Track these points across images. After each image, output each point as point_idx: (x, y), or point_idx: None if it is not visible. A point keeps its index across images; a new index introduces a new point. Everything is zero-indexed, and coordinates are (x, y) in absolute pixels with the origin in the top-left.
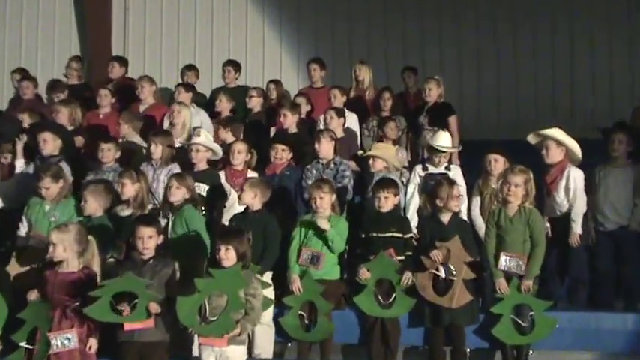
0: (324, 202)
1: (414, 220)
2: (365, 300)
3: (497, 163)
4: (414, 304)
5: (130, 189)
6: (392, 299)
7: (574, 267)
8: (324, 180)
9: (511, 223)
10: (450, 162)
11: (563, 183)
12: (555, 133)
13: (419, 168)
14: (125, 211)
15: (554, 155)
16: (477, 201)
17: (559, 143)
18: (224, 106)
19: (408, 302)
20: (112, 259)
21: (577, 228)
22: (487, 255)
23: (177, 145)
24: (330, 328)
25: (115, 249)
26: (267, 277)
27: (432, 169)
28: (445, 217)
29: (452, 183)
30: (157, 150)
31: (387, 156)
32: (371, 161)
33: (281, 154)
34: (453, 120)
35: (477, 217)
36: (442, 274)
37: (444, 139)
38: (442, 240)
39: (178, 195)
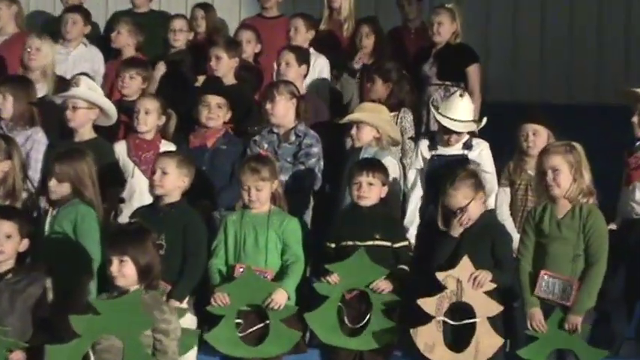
0: (262, 194)
1: (414, 222)
2: (321, 320)
3: (539, 137)
4: (398, 334)
5: None
6: (365, 321)
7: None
8: (260, 159)
9: (558, 229)
10: (472, 135)
11: None
12: None
13: (424, 145)
14: None
15: None
16: (505, 194)
17: None
18: (125, 41)
19: (389, 332)
20: None
21: None
22: (520, 274)
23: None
24: (294, 337)
25: None
26: (185, 304)
27: (442, 149)
28: (456, 230)
29: (472, 176)
30: (7, 105)
31: (378, 121)
32: (354, 130)
33: (216, 113)
34: (473, 71)
35: (506, 217)
36: (453, 322)
37: (460, 110)
38: (451, 262)
39: (60, 189)
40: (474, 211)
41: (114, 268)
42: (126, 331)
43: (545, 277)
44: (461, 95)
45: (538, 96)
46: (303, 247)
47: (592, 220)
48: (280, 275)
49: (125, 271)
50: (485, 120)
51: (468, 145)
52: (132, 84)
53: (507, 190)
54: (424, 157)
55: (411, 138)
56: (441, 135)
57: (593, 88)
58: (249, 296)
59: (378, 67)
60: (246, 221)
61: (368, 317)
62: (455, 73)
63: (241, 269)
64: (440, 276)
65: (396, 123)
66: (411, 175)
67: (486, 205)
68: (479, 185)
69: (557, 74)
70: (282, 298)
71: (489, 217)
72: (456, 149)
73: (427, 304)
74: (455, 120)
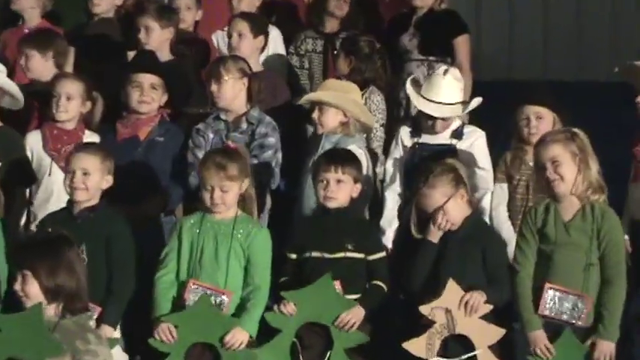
0: (229, 196)
1: (391, 225)
2: (272, 358)
3: (542, 122)
4: None
5: None
6: None
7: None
8: (227, 152)
9: (567, 233)
10: (462, 123)
11: None
12: None
13: (405, 131)
14: None
15: None
16: (502, 191)
17: None
18: (27, 3)
19: None
20: None
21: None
22: (518, 288)
23: None
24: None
25: None
26: (117, 330)
27: (427, 137)
28: (434, 235)
29: (450, 171)
30: None
31: (344, 103)
32: (316, 113)
33: (149, 95)
34: (462, 43)
35: (504, 220)
36: None
37: (444, 90)
38: (434, 274)
39: None
40: (455, 212)
41: (17, 285)
42: (32, 355)
43: (551, 291)
44: (445, 72)
45: (540, 74)
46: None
47: (608, 224)
48: (241, 305)
49: (28, 290)
50: (475, 101)
51: (458, 134)
52: (35, 64)
53: (504, 186)
54: (405, 145)
55: (381, 125)
56: (424, 120)
57: (604, 64)
58: (201, 331)
59: (342, 37)
60: (206, 228)
61: (328, 357)
62: (440, 45)
63: (195, 286)
64: (424, 310)
65: None
66: (389, 166)
67: (473, 206)
68: (459, 181)
69: (563, 49)
70: (242, 337)
71: (477, 220)
72: (443, 138)
73: (415, 346)
74: (437, 103)
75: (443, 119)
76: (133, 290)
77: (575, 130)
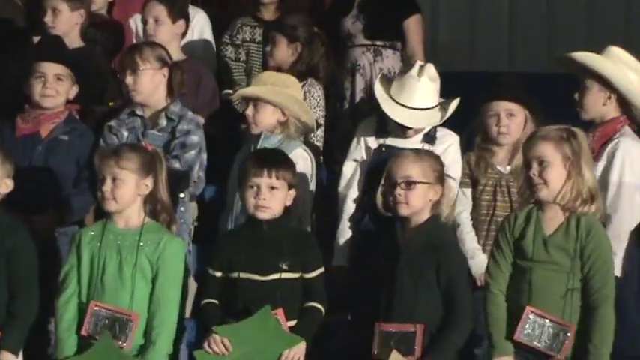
0: (122, 190)
1: (344, 233)
2: None
3: (514, 121)
4: None
5: None
6: None
7: (618, 337)
8: (133, 146)
9: (545, 249)
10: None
11: (601, 164)
12: (596, 60)
13: (368, 130)
14: None
15: (594, 104)
16: (465, 198)
17: (602, 80)
18: None
19: None
20: None
21: (615, 258)
22: (489, 306)
23: None
24: None
25: None
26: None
27: (394, 141)
28: (406, 231)
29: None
30: None
31: (283, 99)
32: (250, 110)
33: (54, 88)
34: (413, 25)
35: (468, 230)
36: None
37: (421, 95)
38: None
39: None
40: (418, 202)
41: None
42: None
43: (532, 315)
44: (419, 72)
45: (506, 64)
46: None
47: (594, 243)
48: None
49: None
50: (454, 104)
51: (430, 138)
52: None
53: (468, 192)
54: (368, 146)
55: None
56: (393, 123)
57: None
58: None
59: (279, 23)
60: (108, 240)
61: None
62: (388, 28)
63: (97, 308)
64: None
65: None
66: (348, 169)
67: (438, 210)
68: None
69: (531, 36)
70: None
71: (435, 225)
72: (413, 142)
73: None
74: (411, 108)
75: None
76: (36, 312)
77: (574, 129)
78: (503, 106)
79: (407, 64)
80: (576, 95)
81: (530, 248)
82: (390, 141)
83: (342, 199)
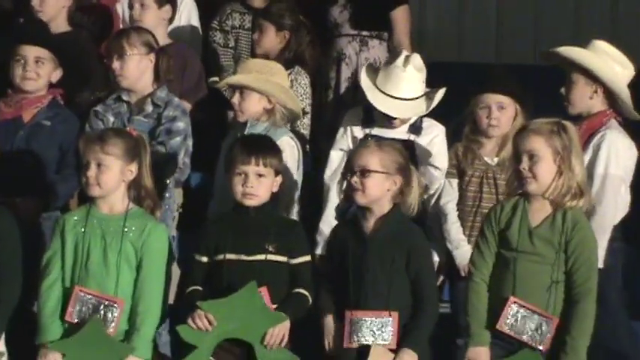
0: (106, 175)
1: (327, 222)
2: None
3: (505, 113)
4: None
5: None
6: None
7: (601, 329)
8: (117, 130)
9: (530, 241)
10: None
11: (586, 157)
12: (582, 54)
13: (354, 119)
14: None
15: (581, 98)
16: (452, 189)
17: (588, 74)
18: None
19: None
20: None
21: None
22: (471, 295)
23: None
24: None
25: None
26: (2, 342)
27: (380, 131)
28: (369, 221)
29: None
30: None
31: (268, 87)
32: (236, 98)
33: (34, 71)
34: (400, 15)
35: (453, 221)
36: None
37: (407, 85)
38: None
39: None
40: (375, 191)
41: None
42: None
43: (514, 306)
44: (405, 62)
45: (493, 56)
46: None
47: (578, 236)
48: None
49: None
50: (440, 94)
51: (416, 128)
52: None
53: (454, 182)
54: (354, 135)
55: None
56: (379, 113)
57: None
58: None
59: (267, 10)
60: (92, 225)
61: None
62: (374, 18)
63: (81, 294)
64: None
65: None
66: (334, 158)
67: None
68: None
69: (518, 27)
70: None
71: (399, 215)
72: (399, 132)
73: None
74: (396, 98)
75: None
76: (18, 296)
77: (565, 122)
78: (494, 99)
79: (393, 54)
80: (563, 90)
81: (515, 239)
82: (376, 131)
83: (326, 188)
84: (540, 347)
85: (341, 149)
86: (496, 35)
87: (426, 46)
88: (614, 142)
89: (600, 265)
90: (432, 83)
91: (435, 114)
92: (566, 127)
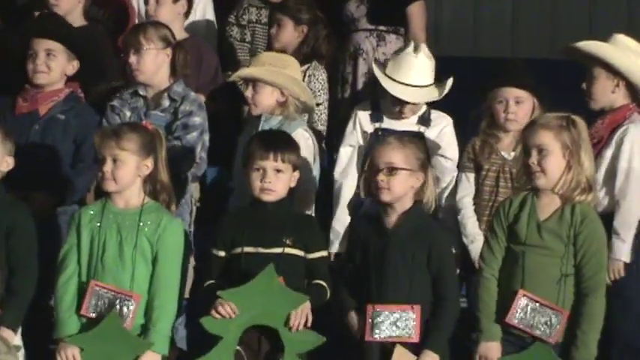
0: (122, 171)
1: (340, 220)
2: None
3: (522, 108)
4: None
5: None
6: None
7: (623, 325)
8: (134, 125)
9: (539, 234)
10: (430, 106)
11: (609, 151)
12: (603, 48)
13: (364, 114)
14: None
15: (603, 92)
16: (468, 183)
17: (609, 68)
18: None
19: None
20: None
21: (621, 249)
22: (481, 290)
23: None
24: None
25: None
26: (18, 336)
27: (391, 123)
28: (391, 217)
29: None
30: None
31: (281, 80)
32: (249, 92)
33: (45, 64)
34: (416, 11)
35: (469, 215)
36: None
37: (416, 71)
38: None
39: None
40: (402, 184)
41: None
42: None
43: (524, 299)
44: (415, 49)
45: (510, 50)
46: (183, 263)
47: (587, 230)
48: (146, 319)
49: None
50: (449, 82)
51: (425, 120)
52: None
53: (471, 177)
54: (364, 130)
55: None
56: (388, 104)
57: (581, 39)
58: (108, 356)
59: (285, 5)
60: (108, 220)
61: None
62: (391, 13)
63: (97, 288)
64: None
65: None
66: (344, 154)
67: (422, 194)
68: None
69: (534, 21)
70: None
71: (421, 211)
72: (409, 124)
73: None
74: (408, 85)
75: (415, 104)
76: (34, 289)
77: (575, 117)
78: (512, 93)
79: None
80: (584, 85)
81: (524, 232)
82: (386, 124)
83: (338, 185)
84: (550, 341)
85: (350, 145)
86: (511, 29)
87: (442, 40)
88: (638, 135)
89: (627, 259)
90: (447, 77)
91: (450, 108)
92: (575, 121)
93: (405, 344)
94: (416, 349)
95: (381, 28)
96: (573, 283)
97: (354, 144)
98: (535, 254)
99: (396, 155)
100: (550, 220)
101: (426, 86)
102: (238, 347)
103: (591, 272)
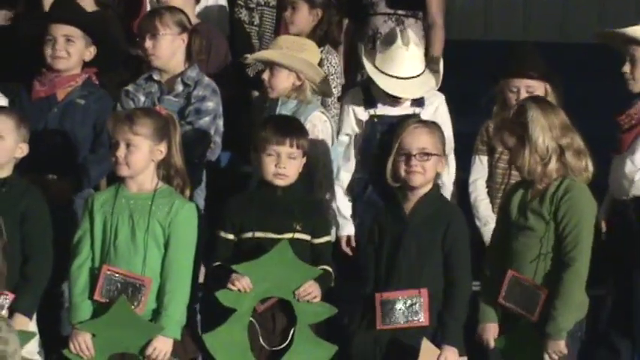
0: (135, 156)
1: (342, 206)
2: (226, 342)
3: (534, 94)
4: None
5: None
6: (287, 342)
7: None
8: (147, 110)
9: (524, 215)
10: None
11: None
12: None
13: (356, 101)
14: None
15: None
16: (482, 165)
17: None
18: None
19: (319, 354)
20: None
21: None
22: (486, 269)
23: None
24: None
25: None
26: (33, 322)
27: (384, 108)
28: (410, 201)
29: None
30: None
31: (297, 63)
32: (266, 75)
33: (64, 49)
34: None
35: (482, 197)
36: None
37: (410, 63)
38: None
39: None
40: (433, 168)
41: None
42: None
43: (513, 279)
44: (405, 42)
45: (520, 33)
46: (197, 246)
47: (567, 204)
48: (158, 304)
49: None
50: (441, 63)
51: (419, 101)
52: None
53: (485, 159)
54: (359, 119)
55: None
56: (381, 92)
57: (592, 23)
58: (120, 341)
59: None
60: (120, 205)
61: (291, 336)
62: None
63: (109, 272)
64: None
65: None
66: (340, 143)
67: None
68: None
69: (547, 5)
70: (164, 347)
71: (439, 194)
72: (403, 107)
73: None
74: (401, 79)
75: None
76: (49, 275)
77: (524, 103)
78: (524, 83)
79: (387, 34)
80: (626, 67)
81: (514, 214)
82: (380, 110)
83: (335, 172)
84: (532, 317)
85: (347, 134)
86: (523, 12)
87: (453, 23)
88: None
89: None
90: (460, 61)
91: (463, 91)
92: (524, 107)
93: (417, 329)
94: (426, 334)
95: (400, 12)
96: (552, 262)
97: (350, 132)
98: (520, 235)
99: (428, 140)
100: (534, 200)
101: (419, 75)
102: (251, 319)
103: (568, 247)
